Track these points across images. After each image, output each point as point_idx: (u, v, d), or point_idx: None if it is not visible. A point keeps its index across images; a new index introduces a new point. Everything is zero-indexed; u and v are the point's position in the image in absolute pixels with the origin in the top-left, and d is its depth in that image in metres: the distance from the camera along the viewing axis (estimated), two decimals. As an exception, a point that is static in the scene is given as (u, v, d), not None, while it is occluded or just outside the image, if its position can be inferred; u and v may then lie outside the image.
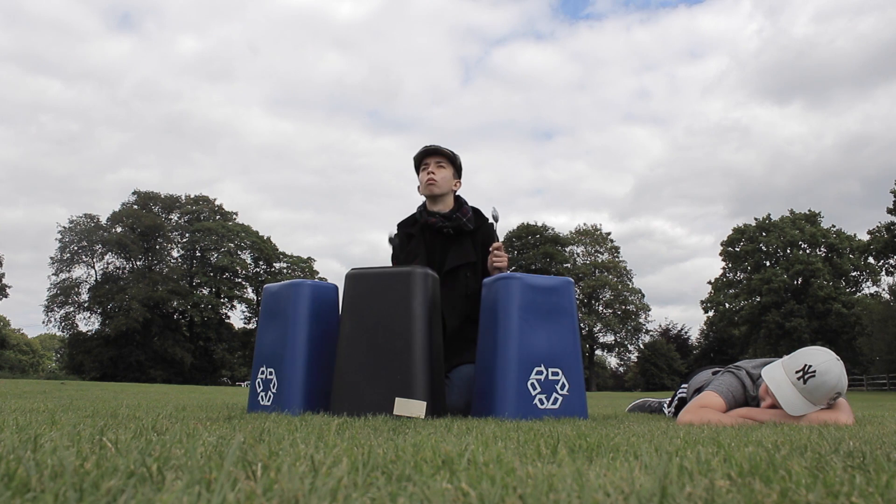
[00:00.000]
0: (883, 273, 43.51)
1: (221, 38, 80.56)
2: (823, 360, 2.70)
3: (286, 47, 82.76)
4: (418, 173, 3.63)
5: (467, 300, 3.42)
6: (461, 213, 3.54)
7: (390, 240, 3.57)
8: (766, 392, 2.83)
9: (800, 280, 47.67)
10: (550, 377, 2.94)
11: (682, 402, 3.58)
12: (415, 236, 3.60)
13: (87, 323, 50.86)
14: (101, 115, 74.95)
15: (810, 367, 2.69)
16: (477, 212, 3.63)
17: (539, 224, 55.37)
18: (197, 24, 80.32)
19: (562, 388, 2.96)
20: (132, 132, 75.52)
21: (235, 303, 53.97)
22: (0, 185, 78.63)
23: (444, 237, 3.54)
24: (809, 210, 50.46)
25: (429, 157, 3.57)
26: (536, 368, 2.92)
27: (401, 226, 3.71)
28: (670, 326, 58.39)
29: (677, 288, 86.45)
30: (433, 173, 3.52)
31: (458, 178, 3.65)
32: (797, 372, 2.70)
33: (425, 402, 2.71)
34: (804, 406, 2.69)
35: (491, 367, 2.93)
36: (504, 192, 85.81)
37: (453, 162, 3.60)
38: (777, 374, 2.77)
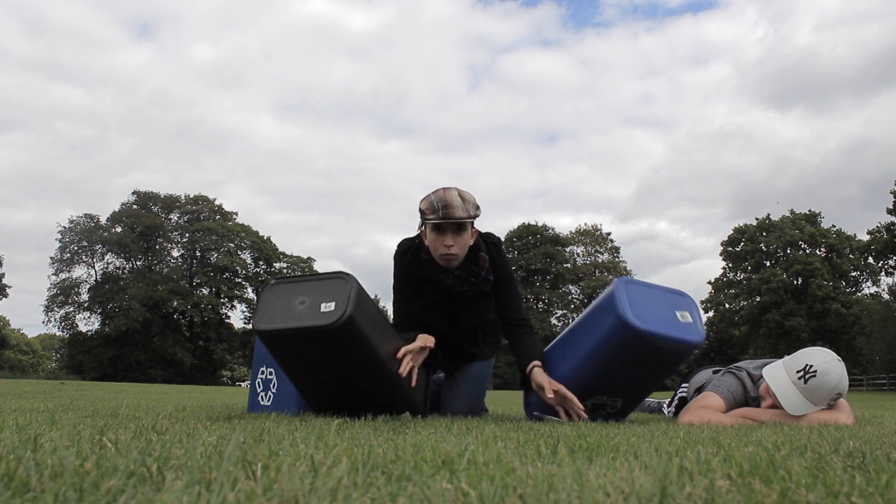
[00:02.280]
0: (883, 273, 43.52)
1: (235, 47, 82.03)
2: (824, 361, 2.71)
3: (298, 56, 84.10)
4: (425, 225, 2.90)
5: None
6: (478, 265, 2.94)
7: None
8: (766, 391, 2.83)
9: (799, 280, 47.68)
10: (608, 402, 2.84)
11: (683, 402, 3.58)
12: (422, 281, 3.01)
13: (87, 323, 50.89)
14: (115, 121, 76.52)
15: (811, 366, 2.69)
16: (489, 243, 3.03)
17: (540, 224, 55.40)
18: (212, 32, 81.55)
19: (612, 410, 2.87)
20: (143, 137, 76.83)
21: (235, 303, 54.00)
22: (11, 188, 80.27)
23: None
24: (810, 210, 50.47)
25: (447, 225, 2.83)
26: (599, 396, 2.81)
27: (401, 256, 3.04)
28: (670, 326, 58.34)
29: (678, 289, 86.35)
30: (451, 245, 2.82)
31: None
32: (798, 371, 2.71)
33: (407, 412, 2.64)
34: (805, 406, 2.70)
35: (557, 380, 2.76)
36: (507, 195, 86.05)
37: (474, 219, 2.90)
38: (778, 374, 2.77)
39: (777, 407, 2.78)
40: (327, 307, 2.42)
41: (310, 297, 2.49)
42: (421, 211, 2.88)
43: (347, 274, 2.56)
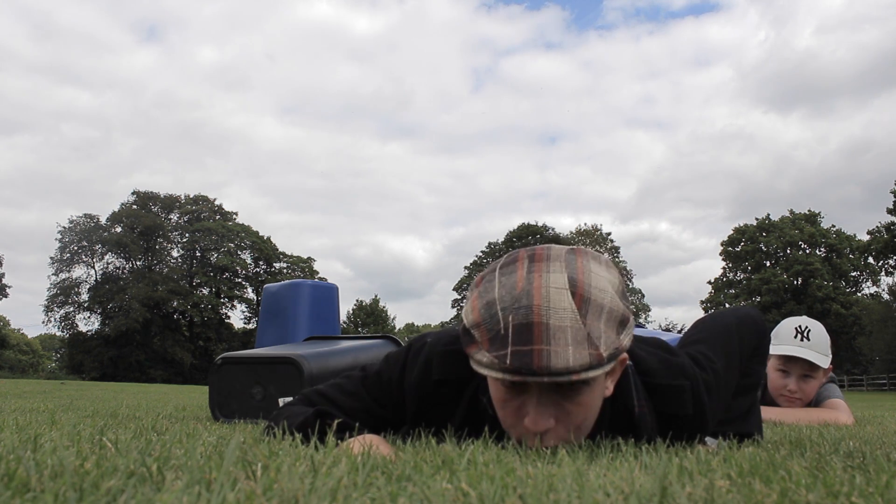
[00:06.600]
0: (883, 273, 43.55)
1: (240, 50, 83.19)
2: (803, 318, 2.91)
3: (302, 59, 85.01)
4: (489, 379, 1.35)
5: None
6: (632, 423, 1.45)
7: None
8: (774, 371, 2.88)
9: (799, 280, 47.69)
10: None
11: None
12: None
13: (87, 323, 50.94)
14: (120, 123, 77.41)
15: (802, 325, 2.85)
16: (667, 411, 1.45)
17: (540, 224, 55.47)
18: (217, 35, 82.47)
19: None
20: (147, 139, 77.78)
21: (235, 303, 54.05)
22: (16, 189, 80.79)
23: None
24: (809, 210, 50.46)
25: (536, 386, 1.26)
26: None
27: (425, 388, 1.49)
28: (670, 326, 58.37)
29: (679, 289, 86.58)
30: (550, 426, 1.29)
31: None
32: (795, 338, 2.84)
33: None
34: (823, 360, 2.82)
35: None
36: (508, 195, 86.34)
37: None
38: (781, 350, 2.85)
39: (777, 405, 2.82)
40: (285, 403, 2.28)
41: (263, 386, 2.37)
42: (464, 330, 1.31)
43: (298, 358, 2.30)
